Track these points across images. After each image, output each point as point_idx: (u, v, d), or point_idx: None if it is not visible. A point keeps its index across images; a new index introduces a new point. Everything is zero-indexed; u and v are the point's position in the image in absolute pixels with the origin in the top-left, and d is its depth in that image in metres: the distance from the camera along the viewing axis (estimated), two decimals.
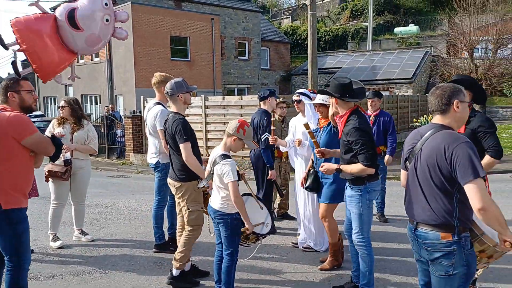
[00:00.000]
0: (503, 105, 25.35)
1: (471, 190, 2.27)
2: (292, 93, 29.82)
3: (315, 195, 4.89)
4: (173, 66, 23.42)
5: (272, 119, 5.54)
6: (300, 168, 5.41)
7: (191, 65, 24.38)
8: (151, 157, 5.32)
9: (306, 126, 4.33)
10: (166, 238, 5.44)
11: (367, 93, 5.87)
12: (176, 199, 4.42)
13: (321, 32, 37.73)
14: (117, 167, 13.80)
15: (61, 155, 4.17)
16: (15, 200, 3.23)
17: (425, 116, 13.31)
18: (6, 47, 3.61)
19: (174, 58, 23.67)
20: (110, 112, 18.10)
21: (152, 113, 5.11)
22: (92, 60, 24.65)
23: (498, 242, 2.43)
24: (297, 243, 5.49)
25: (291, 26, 40.83)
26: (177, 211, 4.51)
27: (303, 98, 5.37)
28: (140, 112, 16.93)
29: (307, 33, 39.09)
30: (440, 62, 20.82)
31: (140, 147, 14.92)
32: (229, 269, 3.81)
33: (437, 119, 2.61)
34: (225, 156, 3.71)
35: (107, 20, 3.95)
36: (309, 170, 4.60)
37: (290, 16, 46.40)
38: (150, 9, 22.85)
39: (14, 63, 3.68)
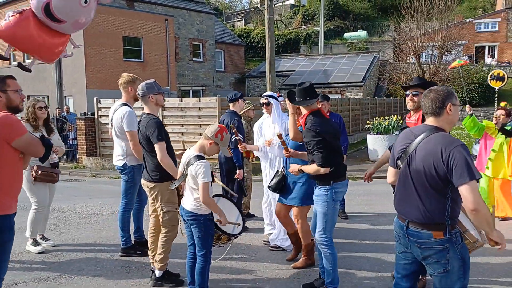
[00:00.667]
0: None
1: (466, 191, 2.40)
2: (247, 95, 30.01)
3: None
4: (126, 66, 22.92)
5: (242, 125, 5.65)
6: (269, 169, 5.52)
7: (144, 66, 23.96)
8: (117, 159, 5.23)
9: (279, 136, 4.47)
10: (132, 242, 5.37)
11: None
12: (149, 200, 4.39)
13: (275, 35, 38.22)
14: (69, 170, 13.34)
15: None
16: (4, 206, 3.08)
17: (376, 118, 13.86)
18: (5, 58, 3.47)
19: (127, 58, 23.19)
20: (65, 114, 17.51)
21: (119, 114, 5.04)
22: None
23: (479, 238, 2.63)
24: (268, 241, 5.60)
25: (245, 29, 41.11)
26: (150, 211, 4.48)
27: (271, 100, 5.49)
28: (92, 113, 16.50)
29: (260, 36, 39.29)
30: (388, 66, 21.71)
31: (94, 150, 14.53)
32: (203, 270, 3.83)
33: (430, 121, 2.72)
34: (199, 157, 3.73)
35: (85, 2, 3.57)
36: (277, 171, 4.71)
37: (243, 19, 46.67)
38: (102, 8, 22.22)
39: (20, 64, 3.56)
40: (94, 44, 21.49)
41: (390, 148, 4.42)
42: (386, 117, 13.71)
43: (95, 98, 16.01)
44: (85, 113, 16.86)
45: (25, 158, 3.29)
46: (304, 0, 50.84)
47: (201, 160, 3.70)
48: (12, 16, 3.36)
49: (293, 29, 41.24)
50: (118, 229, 5.29)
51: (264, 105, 5.54)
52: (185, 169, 3.79)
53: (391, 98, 25.15)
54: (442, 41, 16.52)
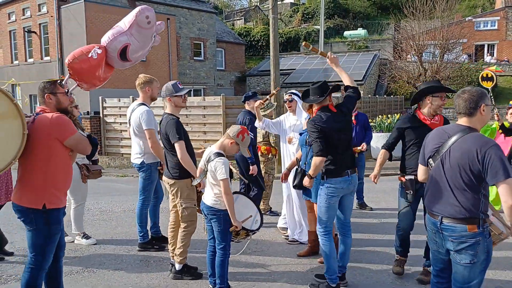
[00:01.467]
0: (446, 106, 27.01)
1: (503, 189, 2.57)
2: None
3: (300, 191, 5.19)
4: (129, 66, 23.07)
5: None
6: (287, 160, 5.75)
7: (147, 65, 24.07)
8: (135, 157, 5.41)
9: (289, 141, 4.75)
10: (149, 237, 5.55)
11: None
12: (170, 196, 4.57)
13: (270, 29, 38.32)
14: None
15: None
16: (57, 200, 3.34)
17: (379, 116, 14.05)
18: (68, 93, 3.64)
19: None
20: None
21: (137, 113, 5.22)
22: (42, 59, 23.79)
23: (504, 231, 2.82)
24: (287, 236, 5.83)
25: (245, 27, 41.19)
26: (170, 207, 4.65)
27: (295, 97, 5.69)
28: (95, 112, 16.63)
29: (260, 35, 39.31)
30: (391, 65, 21.87)
31: (99, 149, 14.68)
32: (223, 263, 4.00)
33: (463, 121, 2.87)
34: (219, 154, 3.91)
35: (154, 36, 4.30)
36: (296, 169, 4.88)
37: (243, 17, 46.76)
38: (105, 8, 22.39)
39: (60, 83, 3.70)
40: (98, 44, 21.58)
41: (387, 148, 4.59)
42: (389, 116, 13.89)
43: (100, 97, 16.17)
44: (88, 112, 17.01)
45: (72, 156, 3.53)
46: None
47: (220, 157, 3.87)
48: (97, 52, 3.82)
49: (293, 27, 41.37)
50: (136, 224, 5.47)
51: (288, 101, 5.73)
52: (206, 166, 3.96)
53: (392, 96, 25.33)
54: (444, 39, 16.69)
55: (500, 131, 6.67)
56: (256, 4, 51.84)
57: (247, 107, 6.48)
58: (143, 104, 5.32)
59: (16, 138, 3.14)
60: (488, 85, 10.00)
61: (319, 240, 4.21)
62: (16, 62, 25.26)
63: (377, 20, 41.63)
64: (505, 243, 3.10)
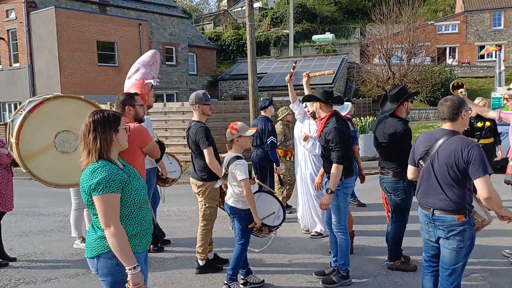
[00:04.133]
0: (412, 107, 28.06)
1: (481, 183, 3.00)
2: (219, 99, 30.41)
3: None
4: (101, 71, 22.98)
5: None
6: (303, 162, 6.14)
7: (119, 70, 23.99)
8: None
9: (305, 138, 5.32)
10: None
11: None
12: (198, 197, 4.92)
13: (244, 38, 38.77)
14: None
15: None
16: None
17: (353, 118, 14.62)
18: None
19: (102, 63, 23.21)
20: None
21: None
22: (10, 65, 23.36)
23: (486, 218, 3.28)
24: (314, 233, 6.26)
25: (215, 32, 41.43)
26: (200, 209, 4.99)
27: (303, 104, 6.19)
28: None
29: (231, 39, 39.53)
30: (360, 69, 22.64)
31: None
32: (239, 257, 4.34)
33: (447, 125, 3.29)
34: (237, 157, 4.23)
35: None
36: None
37: (212, 22, 46.98)
38: (75, 14, 22.22)
39: None
40: (68, 50, 21.45)
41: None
42: (362, 118, 14.48)
43: None
44: None
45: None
46: (272, 3, 51.64)
47: (239, 160, 4.20)
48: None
49: (263, 32, 41.89)
50: None
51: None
52: (226, 169, 4.30)
53: (361, 98, 26.17)
54: (410, 44, 17.52)
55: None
56: (225, 8, 52.16)
57: (263, 113, 7.04)
58: None
59: None
60: (458, 93, 10.78)
61: (339, 236, 4.50)
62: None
63: (344, 25, 42.72)
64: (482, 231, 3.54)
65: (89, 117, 2.60)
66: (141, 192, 2.66)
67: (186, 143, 13.94)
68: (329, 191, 4.29)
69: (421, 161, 3.37)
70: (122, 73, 23.94)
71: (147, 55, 5.33)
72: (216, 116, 13.18)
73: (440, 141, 3.24)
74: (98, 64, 22.95)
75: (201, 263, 4.89)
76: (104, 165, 2.53)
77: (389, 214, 4.92)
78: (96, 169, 2.50)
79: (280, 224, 4.48)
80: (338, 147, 4.24)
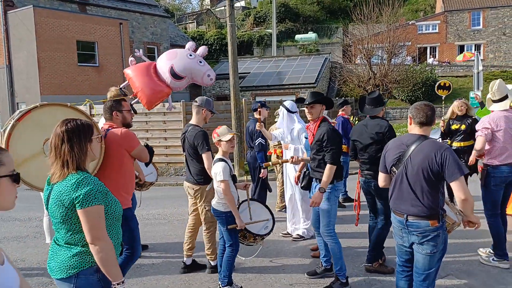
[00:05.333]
0: (393, 106, 28.34)
1: (457, 185, 3.02)
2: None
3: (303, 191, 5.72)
4: (81, 71, 22.66)
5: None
6: (291, 167, 6.24)
7: (100, 70, 23.72)
8: None
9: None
10: None
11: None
12: (191, 200, 4.99)
13: (227, 37, 38.68)
14: None
15: None
16: (127, 202, 3.85)
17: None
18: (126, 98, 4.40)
19: (82, 63, 22.88)
20: None
21: None
22: None
23: (456, 220, 3.29)
24: (289, 233, 6.37)
25: (198, 31, 41.24)
26: (189, 212, 5.06)
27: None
28: None
29: (214, 39, 39.36)
30: (342, 69, 22.81)
31: None
32: (230, 259, 4.35)
33: (417, 130, 3.30)
34: (219, 160, 4.27)
35: (200, 62, 5.19)
36: (304, 172, 5.13)
37: (195, 21, 46.75)
38: (54, 13, 21.86)
39: (132, 106, 4.36)
40: (48, 50, 21.09)
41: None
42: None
43: None
44: None
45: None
46: (255, 2, 51.61)
47: (219, 162, 4.23)
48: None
49: (246, 31, 41.85)
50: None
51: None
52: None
53: (343, 98, 26.32)
54: (390, 44, 17.67)
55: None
56: (208, 7, 51.95)
57: (256, 115, 7.04)
58: None
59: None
60: (444, 93, 10.89)
61: (328, 241, 4.52)
62: None
63: (326, 24, 42.93)
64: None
65: (61, 127, 2.47)
66: (117, 203, 2.58)
67: (166, 144, 13.83)
68: (322, 190, 4.37)
69: (393, 167, 3.36)
70: (102, 73, 23.67)
71: (200, 72, 5.20)
72: None
73: (413, 147, 3.24)
74: (78, 64, 22.63)
75: (213, 263, 4.99)
76: (87, 176, 2.43)
77: (359, 217, 5.24)
78: (81, 180, 2.38)
79: (266, 235, 4.45)
80: (332, 148, 4.35)
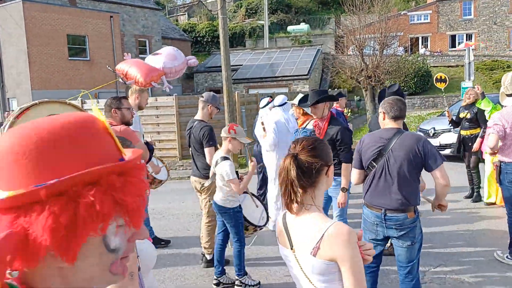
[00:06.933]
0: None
1: (439, 172, 3.14)
2: (195, 91, 30.20)
3: None
4: (72, 66, 22.51)
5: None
6: (270, 161, 6.29)
7: (91, 64, 23.56)
8: None
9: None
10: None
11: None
12: (199, 194, 5.02)
13: (219, 30, 38.49)
14: None
15: None
16: None
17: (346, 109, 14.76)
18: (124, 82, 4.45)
19: (73, 57, 22.72)
20: None
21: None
22: None
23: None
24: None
25: (189, 23, 40.96)
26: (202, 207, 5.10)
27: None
28: None
29: (205, 31, 39.07)
30: (335, 60, 22.79)
31: None
32: (239, 253, 4.41)
33: (392, 124, 3.37)
34: (224, 158, 4.27)
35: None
36: None
37: (186, 13, 46.45)
38: (44, 7, 21.64)
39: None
40: (38, 44, 20.91)
41: None
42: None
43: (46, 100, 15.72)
44: None
45: None
46: None
47: (225, 160, 4.23)
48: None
49: (237, 23, 41.64)
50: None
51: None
52: (214, 169, 4.36)
53: (336, 89, 26.38)
54: (382, 35, 17.69)
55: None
56: None
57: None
58: None
59: None
60: (442, 86, 11.03)
61: None
62: None
63: (318, 15, 42.82)
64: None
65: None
66: None
67: (159, 138, 13.79)
68: (344, 190, 4.47)
69: (373, 162, 3.39)
70: (93, 67, 23.51)
71: (182, 59, 5.26)
72: (190, 111, 13.09)
73: (394, 140, 3.29)
74: (69, 58, 22.47)
75: (208, 257, 5.03)
76: None
77: None
78: None
79: (264, 225, 4.69)
80: (347, 147, 4.44)
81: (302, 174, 1.80)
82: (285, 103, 6.37)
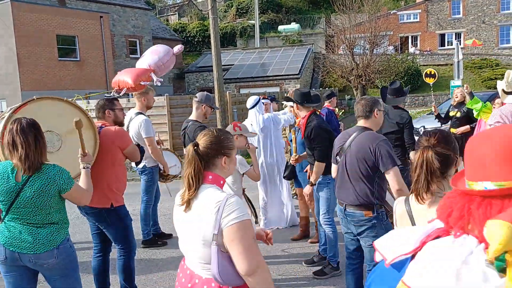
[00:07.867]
0: (377, 96, 28.61)
1: (391, 176, 3.10)
2: (186, 91, 30.11)
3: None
4: (62, 66, 22.35)
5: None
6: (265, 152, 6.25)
7: (81, 65, 23.42)
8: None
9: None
10: None
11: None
12: None
13: (210, 29, 38.41)
14: None
15: None
16: (120, 199, 3.89)
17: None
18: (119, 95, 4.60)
19: (63, 58, 22.56)
20: None
21: (135, 122, 5.49)
22: None
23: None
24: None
25: (180, 23, 40.89)
26: None
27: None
28: None
29: (196, 31, 38.97)
30: (325, 60, 22.89)
31: None
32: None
33: (361, 122, 3.40)
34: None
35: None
36: (287, 163, 5.24)
37: (176, 12, 46.32)
38: (33, 7, 21.46)
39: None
40: (27, 45, 20.74)
41: None
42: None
43: None
44: None
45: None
46: None
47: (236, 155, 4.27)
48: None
49: (228, 22, 41.61)
50: (140, 224, 5.84)
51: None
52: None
53: (327, 89, 26.48)
54: (372, 35, 17.81)
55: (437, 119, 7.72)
56: None
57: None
58: (140, 113, 5.60)
59: (90, 147, 3.58)
60: (431, 81, 11.20)
61: (326, 229, 4.59)
62: None
63: (309, 15, 42.91)
64: None
65: (21, 124, 2.81)
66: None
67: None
68: (311, 184, 4.52)
69: (337, 157, 3.45)
70: (84, 68, 23.37)
71: (168, 51, 5.46)
72: (182, 110, 13.08)
73: (352, 137, 3.34)
74: (59, 59, 22.32)
75: None
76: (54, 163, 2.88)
77: None
78: (58, 167, 2.84)
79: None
80: (319, 146, 4.39)
81: (441, 164, 2.00)
82: (257, 103, 6.22)
